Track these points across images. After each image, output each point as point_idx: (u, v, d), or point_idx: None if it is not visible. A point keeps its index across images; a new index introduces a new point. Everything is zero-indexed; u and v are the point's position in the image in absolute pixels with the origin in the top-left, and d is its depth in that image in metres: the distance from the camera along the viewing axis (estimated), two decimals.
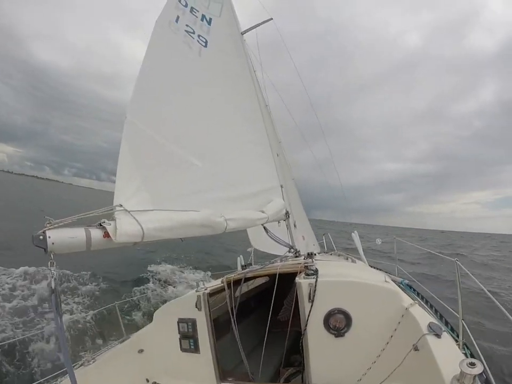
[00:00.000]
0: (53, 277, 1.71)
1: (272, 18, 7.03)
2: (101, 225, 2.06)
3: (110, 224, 2.07)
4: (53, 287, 1.69)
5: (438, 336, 2.18)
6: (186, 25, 4.48)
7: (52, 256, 1.75)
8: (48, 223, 1.79)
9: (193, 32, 4.55)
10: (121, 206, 2.32)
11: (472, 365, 1.56)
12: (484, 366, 2.24)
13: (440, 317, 3.40)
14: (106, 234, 2.03)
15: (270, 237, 4.12)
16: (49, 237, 1.74)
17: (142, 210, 2.41)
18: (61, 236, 1.80)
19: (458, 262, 3.11)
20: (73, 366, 2.95)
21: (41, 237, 1.73)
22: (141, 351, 3.49)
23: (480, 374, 1.59)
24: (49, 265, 1.72)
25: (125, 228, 2.11)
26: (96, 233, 2.00)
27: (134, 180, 2.67)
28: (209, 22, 4.95)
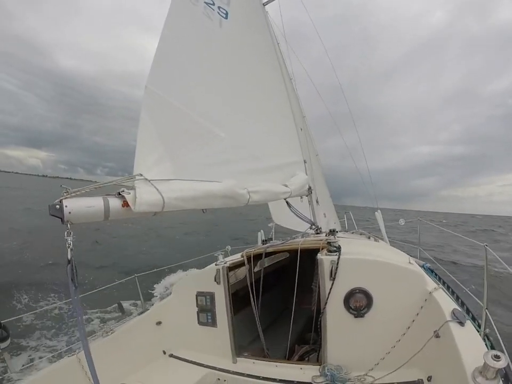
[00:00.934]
0: (69, 247, 1.67)
1: None
2: (120, 194, 2.02)
3: (130, 193, 2.02)
4: (69, 258, 1.66)
5: (462, 324, 2.08)
6: None
7: (68, 225, 1.72)
8: (65, 192, 1.76)
9: (213, 4, 4.40)
10: (141, 175, 2.26)
11: (497, 357, 1.47)
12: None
13: (462, 304, 3.25)
14: (125, 204, 1.99)
15: (292, 211, 4.04)
16: (66, 206, 1.71)
17: (163, 180, 2.36)
18: (78, 205, 1.77)
19: (487, 247, 2.94)
20: (92, 338, 3.00)
21: (57, 206, 1.70)
22: (159, 323, 3.53)
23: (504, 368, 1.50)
24: (65, 235, 1.69)
25: (145, 197, 2.06)
26: (114, 202, 1.96)
27: (155, 149, 2.60)
28: None
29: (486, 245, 2.98)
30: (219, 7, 4.44)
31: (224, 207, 2.74)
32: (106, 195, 1.98)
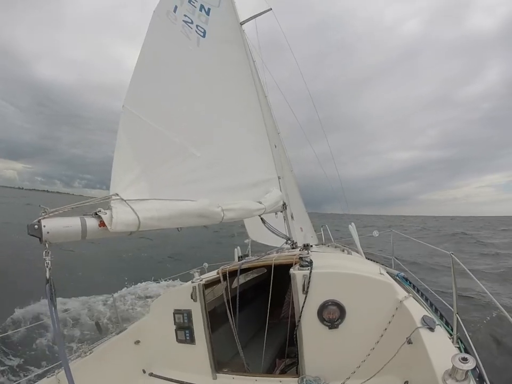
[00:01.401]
0: (47, 266, 1.69)
1: (271, 9, 6.97)
2: (96, 214, 2.04)
3: (106, 213, 2.05)
4: (47, 277, 1.68)
5: (432, 329, 2.19)
6: (185, 15, 4.42)
7: (47, 245, 1.74)
8: (43, 212, 1.78)
9: (192, 22, 4.49)
10: (117, 195, 2.30)
11: (464, 360, 1.56)
12: (477, 360, 2.25)
13: (436, 310, 3.42)
14: (102, 224, 2.02)
15: (268, 228, 4.12)
16: (44, 226, 1.74)
17: (138, 200, 2.39)
18: (56, 225, 1.79)
19: (453, 255, 3.12)
20: (70, 358, 2.96)
21: (36, 226, 1.73)
22: (137, 342, 3.51)
23: (473, 369, 1.60)
24: (44, 255, 1.71)
25: (121, 217, 2.09)
26: (91, 222, 1.99)
27: (131, 169, 2.65)
28: (207, 12, 4.89)
29: (452, 253, 3.14)
30: (197, 26, 4.54)
31: (199, 225, 2.79)
32: (84, 215, 2.00)
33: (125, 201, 2.27)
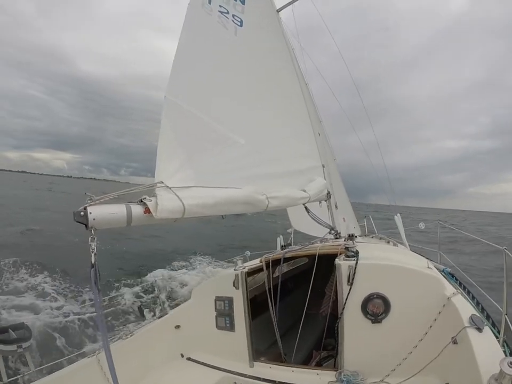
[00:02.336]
0: (93, 251, 1.74)
1: None
2: (141, 201, 2.07)
3: (151, 200, 2.08)
4: (92, 262, 1.73)
5: (480, 330, 2.05)
6: (220, 6, 4.40)
7: (92, 231, 1.79)
8: (89, 199, 1.83)
9: (228, 12, 4.47)
10: (162, 182, 2.32)
11: None
12: None
13: (482, 310, 3.22)
14: (147, 210, 2.04)
15: (311, 217, 4.05)
16: (90, 213, 1.77)
17: (183, 187, 2.41)
18: (101, 212, 1.83)
19: (506, 250, 2.87)
20: (112, 340, 3.08)
21: (82, 213, 1.77)
22: (177, 326, 3.58)
23: None
24: (89, 241, 1.76)
25: (166, 204, 2.11)
26: (136, 209, 2.02)
27: (175, 157, 2.66)
28: (242, 2, 4.85)
29: (505, 248, 2.95)
30: (233, 15, 4.51)
31: (243, 212, 2.81)
32: (129, 202, 2.04)
33: (170, 188, 2.29)
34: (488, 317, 3.09)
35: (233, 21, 4.43)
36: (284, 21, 6.22)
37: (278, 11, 5.76)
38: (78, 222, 1.78)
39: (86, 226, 1.78)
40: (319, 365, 3.36)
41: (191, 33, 3.71)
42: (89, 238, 1.77)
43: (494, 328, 2.73)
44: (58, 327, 6.64)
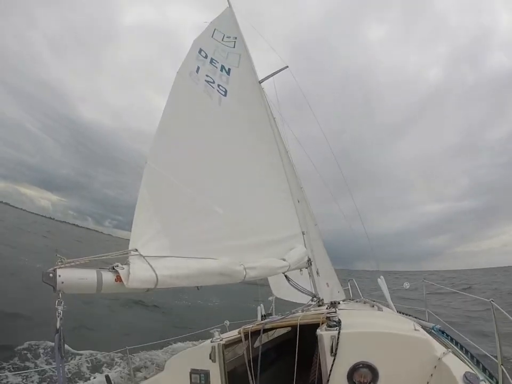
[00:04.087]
0: (59, 316, 1.67)
1: (287, 66, 7.28)
2: (113, 268, 2.02)
3: (123, 268, 2.02)
4: (57, 327, 1.65)
5: None
6: (207, 75, 4.66)
7: (60, 295, 1.72)
8: (59, 262, 1.77)
9: (213, 82, 4.72)
10: (136, 250, 2.27)
11: None
12: None
13: (477, 363, 3.08)
14: (119, 278, 1.98)
15: (292, 285, 3.95)
16: (59, 276, 1.72)
17: (157, 256, 2.34)
18: (71, 276, 1.77)
19: (493, 303, 2.87)
20: None
21: (51, 275, 1.71)
22: None
23: None
24: (56, 304, 1.68)
25: (138, 273, 2.05)
26: (107, 276, 1.96)
27: (152, 225, 2.62)
28: (228, 72, 5.16)
29: (492, 300, 2.90)
30: (219, 85, 4.76)
31: (219, 284, 2.69)
32: (100, 268, 1.97)
33: (143, 257, 2.23)
34: (484, 369, 2.95)
35: (218, 90, 4.67)
36: (268, 90, 6.63)
37: (260, 82, 6.14)
38: (45, 283, 1.72)
39: (53, 288, 1.71)
40: None
41: (177, 101, 3.86)
42: (56, 301, 1.69)
43: (492, 380, 2.62)
44: None
